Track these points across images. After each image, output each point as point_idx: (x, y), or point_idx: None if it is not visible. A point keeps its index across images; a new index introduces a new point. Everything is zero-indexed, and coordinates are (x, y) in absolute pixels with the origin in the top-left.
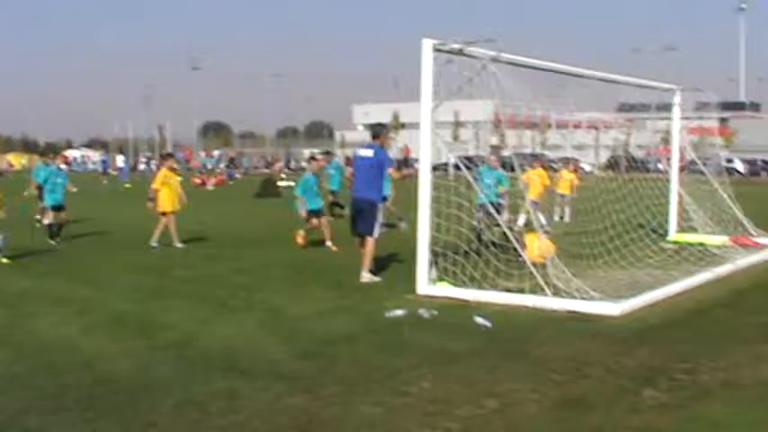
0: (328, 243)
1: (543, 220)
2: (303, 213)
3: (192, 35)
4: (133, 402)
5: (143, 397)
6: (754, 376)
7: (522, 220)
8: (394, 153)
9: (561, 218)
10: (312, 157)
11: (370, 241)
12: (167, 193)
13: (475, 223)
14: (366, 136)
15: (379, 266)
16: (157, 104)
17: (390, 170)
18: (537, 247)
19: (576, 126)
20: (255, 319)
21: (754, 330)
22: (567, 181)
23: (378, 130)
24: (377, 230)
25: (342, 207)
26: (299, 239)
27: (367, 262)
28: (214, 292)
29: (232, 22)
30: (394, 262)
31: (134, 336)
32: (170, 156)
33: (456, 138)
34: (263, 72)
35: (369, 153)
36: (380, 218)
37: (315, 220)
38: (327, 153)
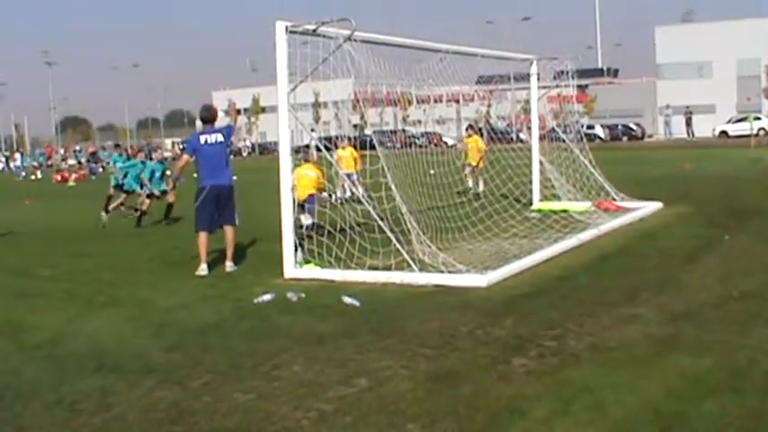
0: None
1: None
2: None
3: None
4: (2, 407)
5: (12, 401)
6: (619, 338)
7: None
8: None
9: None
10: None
11: (233, 230)
12: None
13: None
14: (225, 122)
15: (244, 253)
16: (11, 102)
17: None
18: None
19: (437, 100)
20: (123, 314)
21: (618, 293)
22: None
23: (213, 114)
24: (237, 218)
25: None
26: None
27: (231, 252)
28: (80, 289)
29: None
30: (259, 247)
31: (0, 338)
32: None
33: (317, 119)
34: (119, 63)
35: (219, 138)
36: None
37: None
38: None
